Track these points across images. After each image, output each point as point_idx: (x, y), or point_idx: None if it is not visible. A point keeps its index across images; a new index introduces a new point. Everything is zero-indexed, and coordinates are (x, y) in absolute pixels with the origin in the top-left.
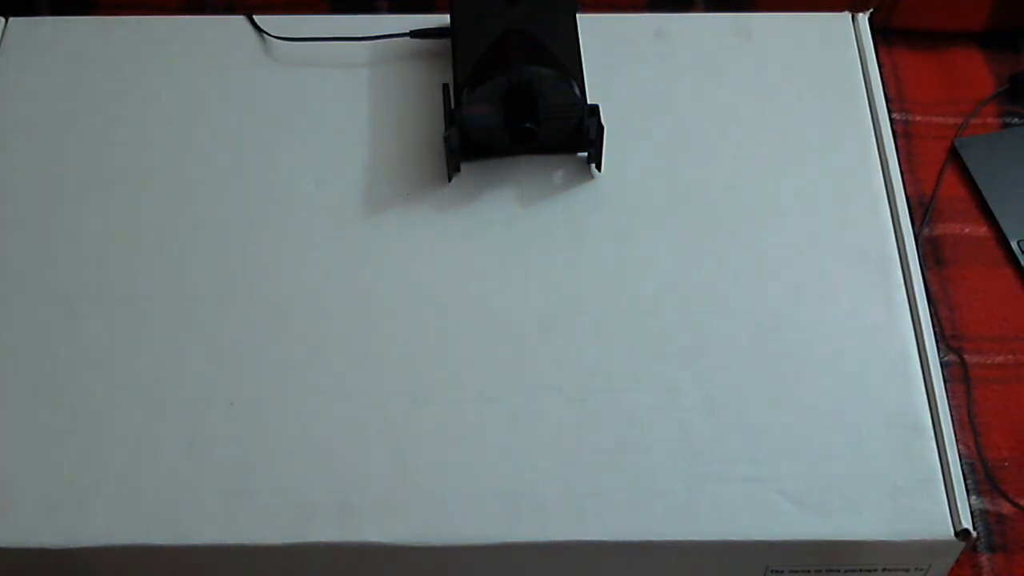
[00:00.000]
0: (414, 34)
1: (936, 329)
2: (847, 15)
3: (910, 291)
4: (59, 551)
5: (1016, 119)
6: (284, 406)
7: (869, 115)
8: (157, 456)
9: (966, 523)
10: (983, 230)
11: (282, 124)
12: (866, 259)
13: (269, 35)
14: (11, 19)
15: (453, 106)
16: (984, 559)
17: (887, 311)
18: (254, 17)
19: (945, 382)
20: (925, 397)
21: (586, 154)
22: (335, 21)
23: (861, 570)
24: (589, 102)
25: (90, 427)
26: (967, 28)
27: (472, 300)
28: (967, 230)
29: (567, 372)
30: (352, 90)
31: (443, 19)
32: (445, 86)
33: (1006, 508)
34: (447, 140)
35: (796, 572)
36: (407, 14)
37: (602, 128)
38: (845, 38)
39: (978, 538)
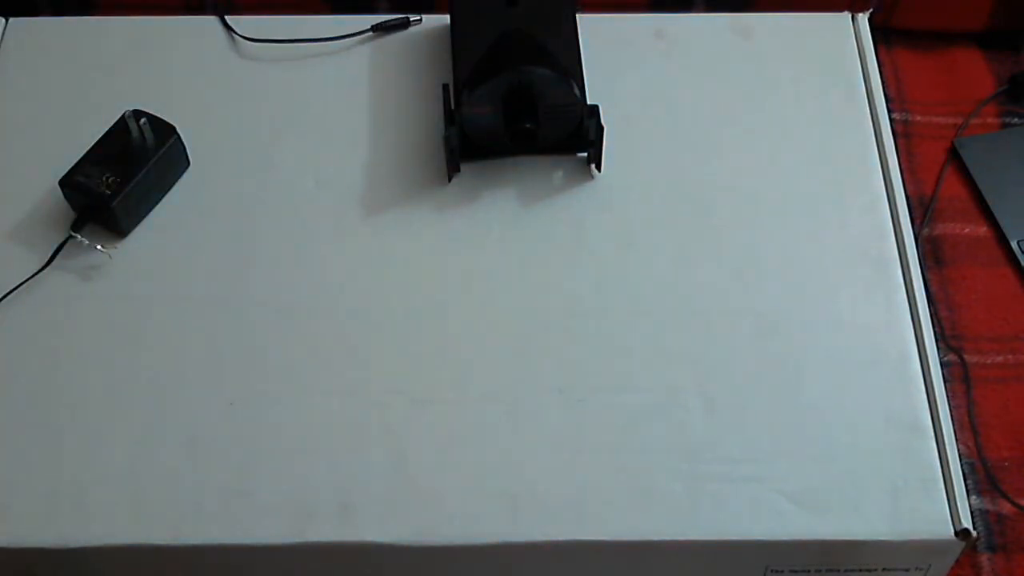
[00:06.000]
0: (375, 28)
1: (936, 329)
2: (847, 15)
3: (910, 291)
4: (59, 551)
5: (1016, 119)
6: (284, 406)
7: (869, 115)
8: (157, 456)
9: (966, 523)
10: (983, 230)
11: (282, 124)
12: (866, 259)
13: (241, 35)
14: (11, 19)
15: (453, 106)
16: (984, 559)
17: (887, 311)
18: (227, 17)
19: (945, 382)
20: (925, 397)
21: (586, 154)
22: (335, 21)
23: (861, 570)
24: (589, 102)
25: (90, 427)
26: (967, 28)
27: (472, 300)
28: (967, 230)
29: (567, 372)
30: (352, 90)
31: (442, 19)
32: (445, 86)
33: (1006, 508)
34: (447, 140)
35: (796, 572)
36: (406, 14)
37: (602, 128)
38: (845, 38)
39: (978, 538)
